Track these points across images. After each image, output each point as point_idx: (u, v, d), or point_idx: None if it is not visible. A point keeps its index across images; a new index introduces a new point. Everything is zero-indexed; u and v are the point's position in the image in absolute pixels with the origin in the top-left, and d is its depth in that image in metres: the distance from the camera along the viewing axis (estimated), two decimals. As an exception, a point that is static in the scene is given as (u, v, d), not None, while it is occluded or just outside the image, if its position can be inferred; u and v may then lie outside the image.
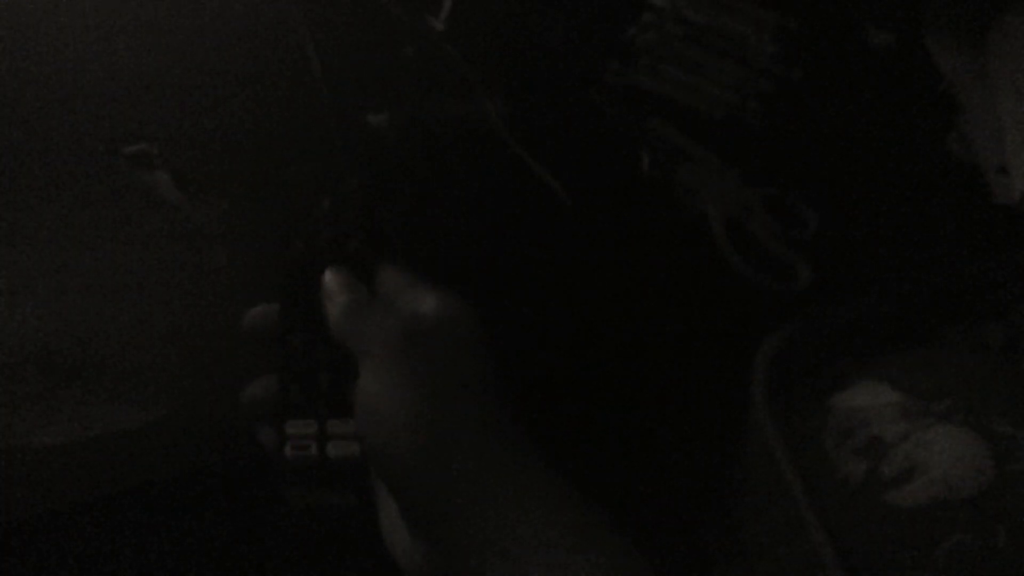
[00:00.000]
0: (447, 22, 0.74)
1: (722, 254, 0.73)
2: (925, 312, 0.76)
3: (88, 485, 0.61)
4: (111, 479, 0.61)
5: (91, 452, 0.61)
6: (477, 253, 0.70)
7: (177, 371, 0.63)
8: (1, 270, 0.64)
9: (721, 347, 0.71)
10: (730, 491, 0.72)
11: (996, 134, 0.83)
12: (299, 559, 0.65)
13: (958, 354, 0.69)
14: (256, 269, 0.65)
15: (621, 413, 0.71)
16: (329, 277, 0.56)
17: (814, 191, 0.77)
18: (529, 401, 0.65)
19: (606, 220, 0.73)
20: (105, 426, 0.61)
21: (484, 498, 0.50)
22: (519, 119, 0.73)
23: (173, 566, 0.63)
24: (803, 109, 0.81)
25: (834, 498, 0.64)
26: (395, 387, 0.51)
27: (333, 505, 0.54)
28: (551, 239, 0.71)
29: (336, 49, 0.70)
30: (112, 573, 0.63)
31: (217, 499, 0.64)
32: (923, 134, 0.83)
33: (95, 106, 0.67)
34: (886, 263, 0.77)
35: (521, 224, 0.71)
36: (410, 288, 0.54)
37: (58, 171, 0.67)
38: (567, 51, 0.78)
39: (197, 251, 0.65)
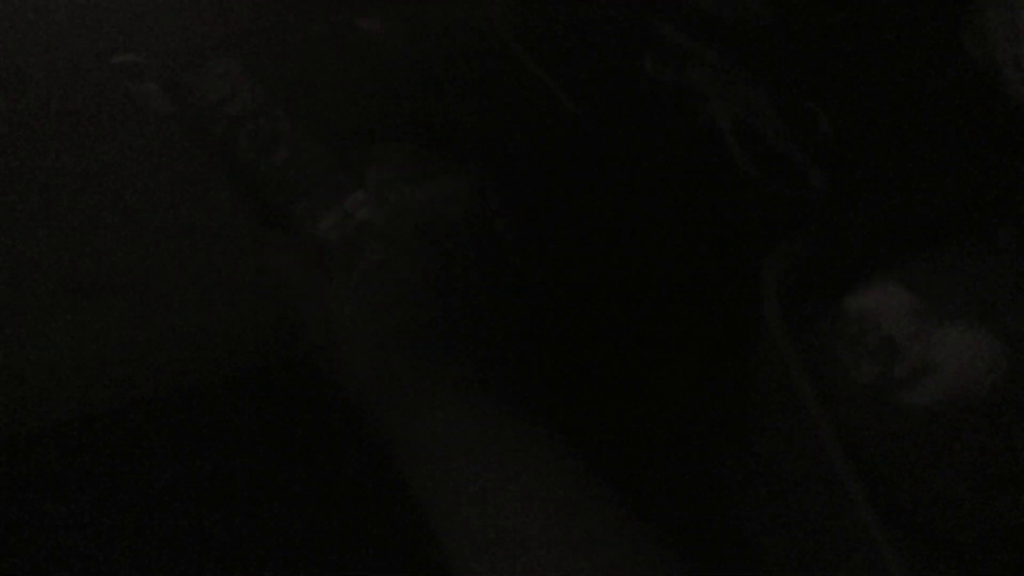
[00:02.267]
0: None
1: (733, 157, 0.71)
2: (939, 215, 0.75)
3: (117, 393, 0.62)
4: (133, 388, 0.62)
5: (114, 364, 0.62)
6: (480, 164, 0.68)
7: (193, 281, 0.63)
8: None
9: (734, 252, 0.70)
10: (744, 403, 0.71)
11: (1012, 27, 0.80)
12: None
13: (970, 256, 0.68)
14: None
15: (630, 326, 0.71)
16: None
17: (827, 93, 0.76)
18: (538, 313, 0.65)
19: (613, 128, 0.71)
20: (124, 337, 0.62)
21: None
22: (522, 23, 0.71)
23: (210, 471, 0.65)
24: (815, 7, 0.79)
25: (847, 402, 0.64)
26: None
27: None
28: (557, 148, 0.69)
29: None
30: (146, 480, 0.64)
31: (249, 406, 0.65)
32: (937, 32, 0.81)
33: (84, 17, 0.66)
34: (900, 166, 0.75)
35: (526, 132, 0.69)
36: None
37: (54, 90, 0.66)
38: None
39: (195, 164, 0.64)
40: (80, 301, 0.61)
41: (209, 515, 0.65)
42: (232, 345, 0.63)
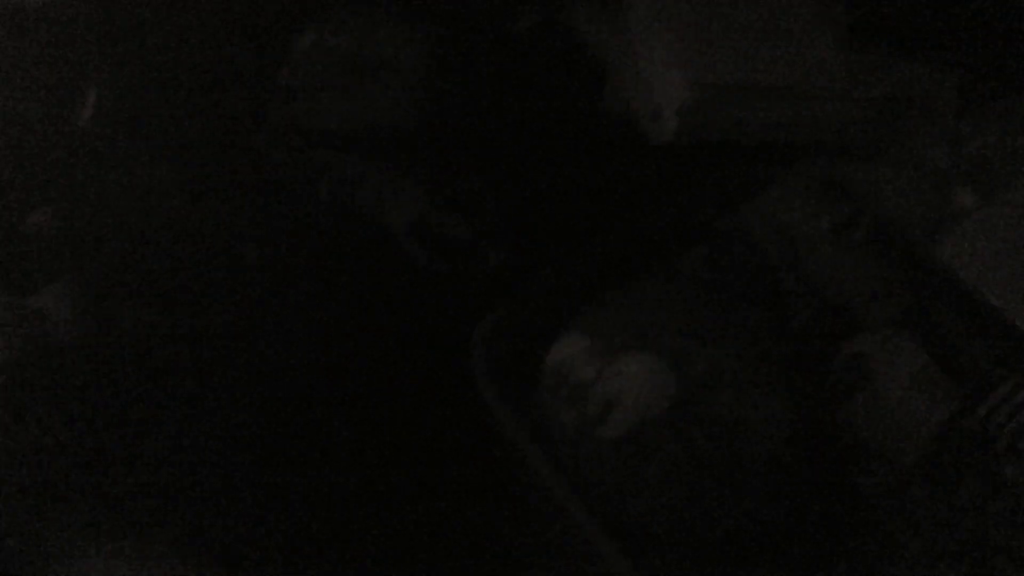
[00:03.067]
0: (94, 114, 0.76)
1: (414, 258, 0.77)
2: (616, 259, 0.83)
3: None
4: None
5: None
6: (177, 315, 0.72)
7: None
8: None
9: (439, 343, 0.75)
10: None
11: (644, 84, 0.91)
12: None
13: (630, 291, 0.76)
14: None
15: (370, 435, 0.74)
16: None
17: (492, 177, 0.83)
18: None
19: (295, 262, 0.76)
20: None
21: None
22: (191, 184, 0.75)
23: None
24: (466, 105, 0.87)
25: (561, 444, 0.70)
26: None
27: None
28: (241, 295, 0.74)
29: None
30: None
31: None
32: (580, 99, 0.90)
33: None
34: (572, 225, 0.83)
35: (211, 286, 0.73)
36: None
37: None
38: (221, 105, 0.80)
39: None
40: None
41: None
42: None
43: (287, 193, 0.79)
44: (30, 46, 0.78)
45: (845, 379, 0.81)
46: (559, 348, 0.73)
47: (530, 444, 0.71)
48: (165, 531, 0.66)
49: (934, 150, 0.97)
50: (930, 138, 0.97)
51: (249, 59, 0.82)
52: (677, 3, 0.93)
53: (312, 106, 0.83)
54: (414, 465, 0.74)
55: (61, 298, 0.68)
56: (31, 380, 0.67)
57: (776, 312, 0.84)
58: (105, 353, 0.68)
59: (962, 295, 0.85)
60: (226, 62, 0.82)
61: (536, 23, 0.94)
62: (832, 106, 0.93)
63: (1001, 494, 0.72)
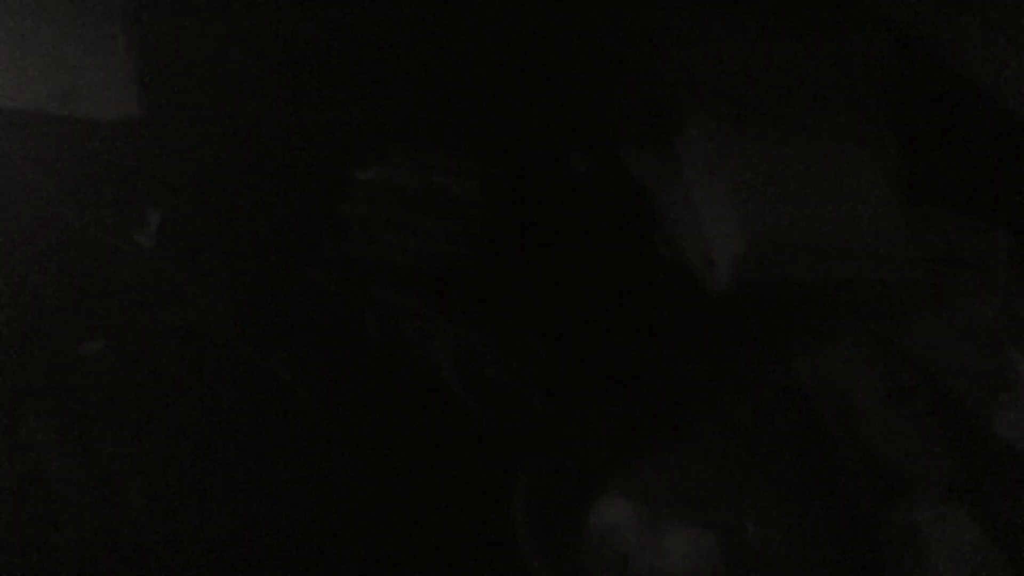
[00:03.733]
0: (156, 236, 0.76)
1: (458, 399, 0.76)
2: (667, 410, 0.81)
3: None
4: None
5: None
6: (216, 457, 0.70)
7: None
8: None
9: (476, 488, 0.73)
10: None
11: (698, 230, 0.90)
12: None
13: (692, 449, 0.74)
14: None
15: None
16: None
17: (538, 320, 0.82)
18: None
19: (342, 394, 0.75)
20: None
21: None
22: (241, 316, 0.75)
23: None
24: (517, 245, 0.86)
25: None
26: None
27: None
28: (287, 429, 0.72)
29: (33, 280, 0.71)
30: None
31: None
32: (632, 242, 0.89)
33: None
34: (621, 373, 0.82)
35: (256, 420, 0.72)
36: None
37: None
38: (278, 237, 0.80)
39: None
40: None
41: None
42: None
43: (337, 326, 0.78)
44: (100, 161, 0.78)
45: (895, 552, 0.78)
46: (603, 512, 0.70)
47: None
48: None
49: (987, 310, 0.95)
50: (984, 298, 0.95)
51: (306, 192, 0.83)
52: (733, 151, 0.93)
53: (367, 239, 0.83)
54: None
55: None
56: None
57: (824, 474, 0.82)
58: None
59: (1019, 467, 0.82)
60: (284, 194, 0.82)
61: (591, 165, 0.94)
62: (888, 265, 0.92)
63: None
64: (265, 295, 0.78)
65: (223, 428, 0.72)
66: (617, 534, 0.68)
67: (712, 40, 0.97)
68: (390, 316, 0.79)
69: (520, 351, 0.80)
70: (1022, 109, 1.03)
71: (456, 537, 0.73)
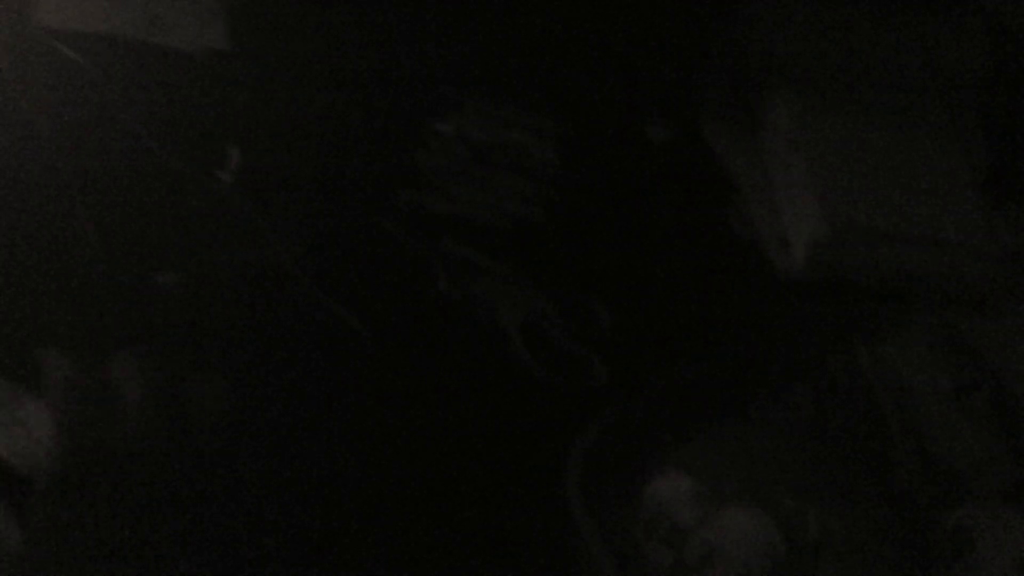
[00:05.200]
0: (235, 173, 0.76)
1: (520, 361, 0.76)
2: (728, 389, 0.81)
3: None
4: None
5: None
6: (281, 401, 0.71)
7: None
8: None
9: (532, 451, 0.73)
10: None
11: (774, 210, 0.89)
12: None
13: (741, 432, 0.73)
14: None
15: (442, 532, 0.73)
16: None
17: (606, 287, 0.82)
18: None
19: (407, 346, 0.75)
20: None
21: None
22: (313, 259, 0.75)
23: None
24: (589, 209, 0.86)
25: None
26: None
27: None
28: (352, 376, 0.73)
29: (114, 208, 0.72)
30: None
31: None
32: (706, 218, 0.88)
33: None
34: (684, 347, 0.81)
35: (322, 364, 0.73)
36: None
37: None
38: (355, 183, 0.80)
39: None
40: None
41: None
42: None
43: (407, 277, 0.78)
44: (185, 93, 0.79)
45: (947, 551, 0.77)
46: (660, 485, 0.71)
47: (608, 565, 0.68)
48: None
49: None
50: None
51: (385, 140, 0.83)
52: (817, 132, 0.91)
53: (442, 193, 0.83)
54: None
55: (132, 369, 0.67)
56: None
57: (880, 467, 0.81)
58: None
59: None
60: (363, 140, 0.82)
61: (670, 135, 0.93)
62: (965, 259, 0.91)
63: None
64: (337, 241, 0.78)
65: (287, 370, 0.73)
66: (674, 508, 0.68)
67: (802, 18, 0.96)
68: (460, 271, 0.80)
69: (585, 317, 0.80)
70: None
71: (505, 497, 0.74)
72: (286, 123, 0.80)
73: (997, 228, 0.92)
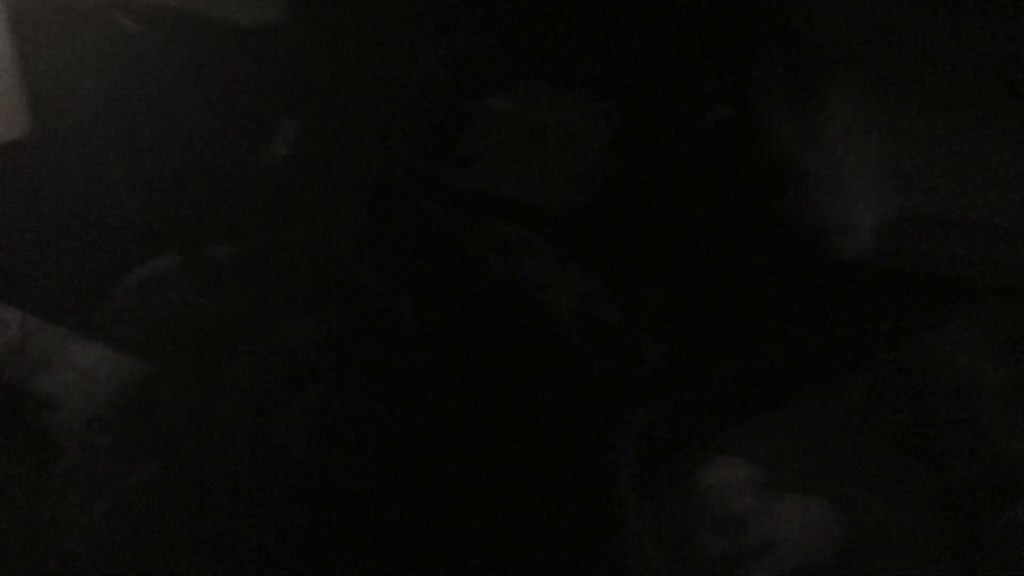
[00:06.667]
0: (292, 146, 0.76)
1: (573, 344, 0.75)
2: (781, 376, 0.80)
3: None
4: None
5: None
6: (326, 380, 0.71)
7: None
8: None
9: (582, 437, 0.73)
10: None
11: (837, 194, 0.87)
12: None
13: (806, 419, 0.72)
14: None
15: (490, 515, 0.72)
16: None
17: (660, 270, 0.81)
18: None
19: (454, 327, 0.75)
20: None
21: None
22: (361, 235, 0.75)
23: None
24: (642, 192, 0.85)
25: (693, 570, 0.66)
26: None
27: None
28: (397, 358, 0.73)
29: (167, 180, 0.72)
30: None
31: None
32: (764, 202, 0.87)
33: None
34: (738, 332, 0.80)
35: (367, 345, 0.72)
36: None
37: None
38: (405, 160, 0.80)
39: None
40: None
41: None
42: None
43: (457, 259, 0.78)
44: (237, 67, 0.79)
45: (1003, 548, 0.76)
46: (716, 471, 0.70)
47: (665, 560, 0.68)
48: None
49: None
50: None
51: (438, 118, 0.82)
52: (883, 115, 0.90)
53: (493, 173, 0.82)
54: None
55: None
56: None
57: (935, 461, 0.80)
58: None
59: None
60: (416, 118, 0.81)
61: (727, 115, 0.92)
62: (1029, 250, 0.89)
63: None
64: (386, 219, 0.78)
65: (332, 349, 0.73)
66: (731, 496, 0.67)
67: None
68: (511, 253, 0.79)
69: (638, 300, 0.79)
70: None
71: (554, 484, 0.73)
72: (341, 97, 0.80)
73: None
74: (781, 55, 0.95)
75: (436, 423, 0.72)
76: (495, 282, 0.77)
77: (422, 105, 0.83)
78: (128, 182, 0.72)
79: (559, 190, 0.83)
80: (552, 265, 0.79)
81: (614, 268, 0.81)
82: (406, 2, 0.85)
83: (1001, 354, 0.87)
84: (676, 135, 0.90)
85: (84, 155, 0.73)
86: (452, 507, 0.70)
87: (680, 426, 0.75)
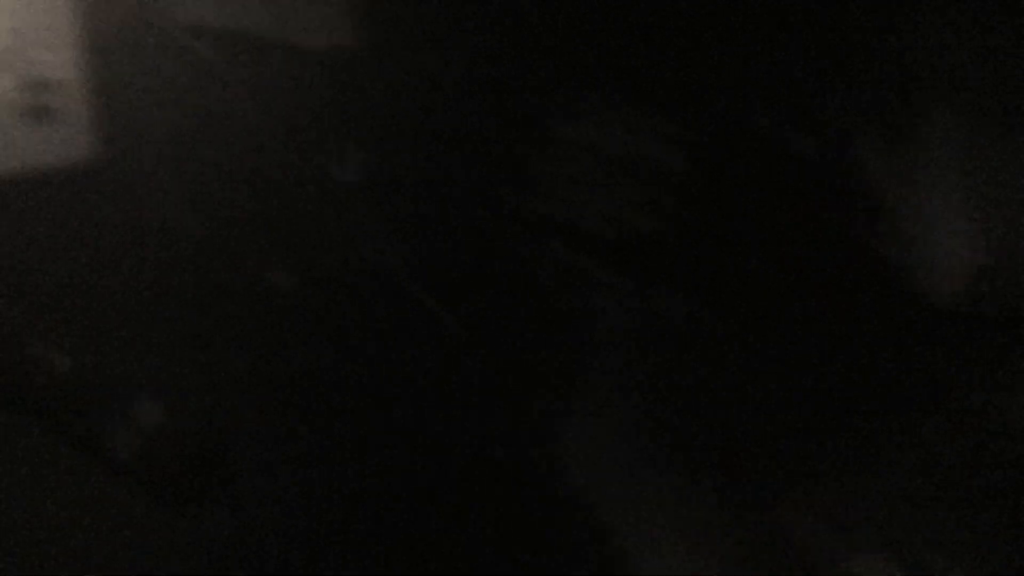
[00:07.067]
0: (354, 173, 0.76)
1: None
2: (858, 424, 0.75)
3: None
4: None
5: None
6: (384, 410, 0.70)
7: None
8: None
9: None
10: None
11: (928, 233, 0.83)
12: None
13: (878, 473, 0.68)
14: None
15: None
16: None
17: (737, 305, 0.77)
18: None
19: (507, 351, 0.73)
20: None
21: None
22: (421, 262, 0.74)
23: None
24: (717, 223, 0.81)
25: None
26: None
27: None
28: (450, 380, 0.71)
29: (229, 205, 0.72)
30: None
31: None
32: (849, 239, 0.83)
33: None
34: (817, 377, 0.76)
35: (422, 368, 0.71)
36: None
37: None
38: (464, 183, 0.79)
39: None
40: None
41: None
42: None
43: (513, 283, 0.76)
44: (308, 93, 0.79)
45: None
46: (785, 524, 0.66)
47: None
48: None
49: None
50: None
51: (502, 142, 0.81)
52: (982, 153, 0.85)
53: (562, 200, 0.80)
54: None
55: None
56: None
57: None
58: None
59: None
60: (479, 142, 0.80)
61: (814, 147, 0.88)
62: None
63: None
64: (447, 246, 0.77)
65: (391, 374, 0.72)
66: (800, 550, 0.63)
67: (970, 32, 0.89)
68: (567, 280, 0.77)
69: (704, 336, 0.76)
70: None
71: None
72: (407, 123, 0.79)
73: None
74: (875, 86, 0.91)
75: (483, 445, 0.71)
76: (548, 308, 0.76)
77: (491, 132, 0.82)
78: (193, 207, 0.73)
79: (625, 218, 0.81)
80: (607, 295, 0.77)
81: (686, 300, 0.78)
82: (477, 29, 0.84)
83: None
84: (757, 164, 0.87)
85: (152, 180, 0.74)
86: (493, 529, 0.69)
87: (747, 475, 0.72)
